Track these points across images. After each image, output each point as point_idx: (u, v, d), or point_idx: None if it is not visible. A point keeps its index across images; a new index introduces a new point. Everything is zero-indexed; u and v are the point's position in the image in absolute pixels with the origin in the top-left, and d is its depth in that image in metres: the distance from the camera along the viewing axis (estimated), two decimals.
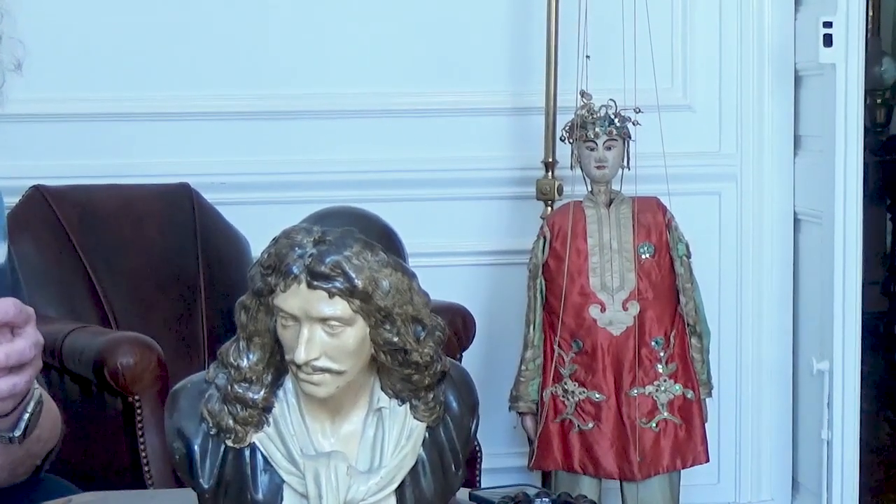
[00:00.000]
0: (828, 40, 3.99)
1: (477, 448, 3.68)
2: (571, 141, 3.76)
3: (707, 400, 3.82)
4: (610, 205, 3.75)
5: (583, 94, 3.74)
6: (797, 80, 4.39)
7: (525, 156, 4.21)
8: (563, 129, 3.81)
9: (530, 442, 3.79)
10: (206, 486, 1.82)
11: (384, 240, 1.79)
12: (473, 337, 3.82)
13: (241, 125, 4.16)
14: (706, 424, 3.79)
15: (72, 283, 3.70)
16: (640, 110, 3.74)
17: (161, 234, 3.85)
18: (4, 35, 2.22)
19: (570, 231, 3.71)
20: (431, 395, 1.82)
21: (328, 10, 4.20)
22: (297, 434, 1.81)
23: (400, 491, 1.82)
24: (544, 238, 3.76)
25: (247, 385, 1.81)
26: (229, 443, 1.81)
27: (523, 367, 3.77)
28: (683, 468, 3.75)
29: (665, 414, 3.71)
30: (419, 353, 1.78)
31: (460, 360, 3.63)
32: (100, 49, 4.08)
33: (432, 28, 4.24)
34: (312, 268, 1.73)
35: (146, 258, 3.80)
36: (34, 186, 3.83)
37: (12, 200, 3.81)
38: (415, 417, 1.83)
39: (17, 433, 2.11)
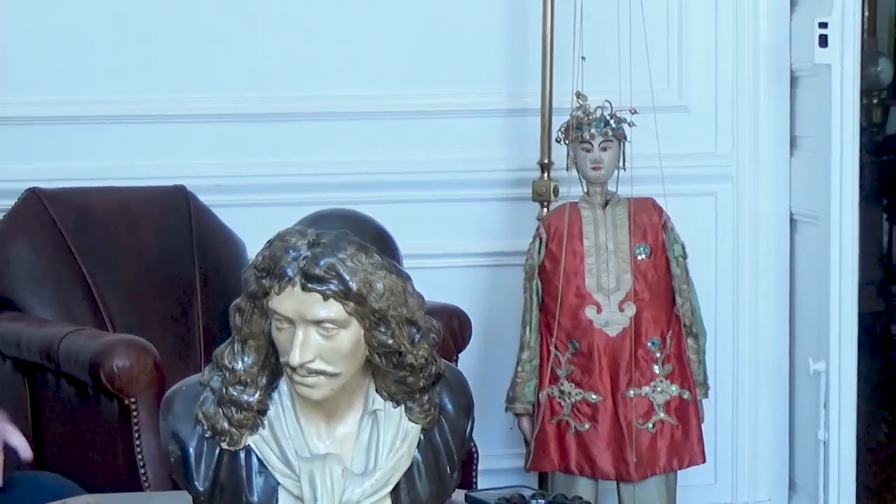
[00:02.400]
0: (823, 41, 3.99)
1: (473, 449, 3.69)
2: (567, 142, 3.76)
3: (703, 400, 3.82)
4: (606, 206, 3.75)
5: (578, 95, 3.74)
6: (793, 81, 4.39)
7: (521, 157, 4.21)
8: (559, 130, 3.81)
9: (527, 443, 3.78)
10: (201, 489, 1.82)
11: (379, 242, 1.79)
12: (469, 338, 3.82)
13: (236, 127, 4.16)
14: (702, 425, 3.79)
15: (68, 286, 3.70)
16: (635, 111, 3.74)
17: (157, 237, 3.85)
18: None
19: (566, 232, 3.70)
20: (426, 398, 1.83)
21: (323, 12, 4.20)
22: (292, 436, 1.81)
23: (395, 493, 1.82)
24: (540, 239, 3.76)
25: (241, 387, 1.81)
26: (224, 445, 1.82)
27: (519, 369, 3.77)
28: (680, 469, 3.75)
29: (661, 415, 3.71)
30: (414, 355, 1.78)
31: (456, 361, 3.63)
32: (96, 52, 4.08)
33: (428, 30, 4.24)
34: (307, 270, 1.73)
35: (142, 260, 3.80)
36: (30, 189, 3.82)
37: (8, 203, 3.81)
38: (410, 419, 1.83)
39: None
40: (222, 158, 4.16)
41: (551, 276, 3.72)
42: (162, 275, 3.80)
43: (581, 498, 2.08)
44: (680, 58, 4.35)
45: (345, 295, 1.73)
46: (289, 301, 1.74)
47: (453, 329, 3.71)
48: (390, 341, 1.76)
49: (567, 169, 3.80)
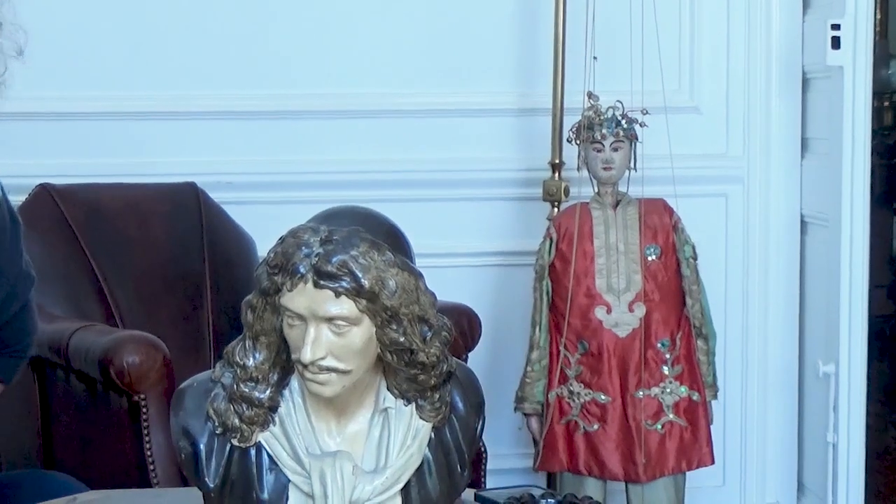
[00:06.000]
0: (836, 42, 3.99)
1: (482, 449, 3.68)
2: (578, 142, 3.76)
3: (712, 402, 3.81)
4: (616, 206, 3.75)
5: (590, 95, 3.74)
6: (805, 83, 4.38)
7: (532, 157, 4.21)
8: (570, 130, 3.80)
9: (535, 443, 3.78)
10: (211, 485, 1.82)
11: (391, 239, 1.79)
12: (479, 338, 3.82)
13: (247, 124, 4.17)
14: (711, 426, 3.79)
15: (78, 282, 3.70)
16: (646, 112, 3.74)
17: (167, 234, 3.85)
18: (6, 22, 2.23)
19: (576, 232, 3.70)
20: (437, 396, 1.83)
21: (334, 11, 4.20)
22: (302, 433, 1.81)
23: (405, 491, 1.82)
24: (551, 239, 3.76)
25: (253, 384, 1.81)
26: (235, 442, 1.82)
27: (529, 369, 3.77)
28: (689, 470, 3.75)
29: (670, 416, 3.70)
30: (425, 353, 1.78)
31: (466, 360, 3.63)
32: (107, 48, 4.08)
33: (440, 29, 4.24)
34: (319, 267, 1.73)
35: (152, 257, 3.80)
36: (41, 185, 3.83)
37: (19, 199, 3.81)
38: (420, 417, 1.83)
39: None
40: (233, 155, 4.16)
41: (561, 277, 3.72)
42: (172, 271, 3.80)
43: (591, 498, 2.08)
44: (692, 59, 4.35)
45: (357, 292, 1.73)
46: (301, 298, 1.74)
47: (463, 328, 3.71)
48: (402, 339, 1.76)
49: (578, 169, 3.80)
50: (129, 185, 3.92)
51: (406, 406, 1.82)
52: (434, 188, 4.22)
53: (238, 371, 1.81)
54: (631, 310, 3.70)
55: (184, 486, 2.44)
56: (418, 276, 1.78)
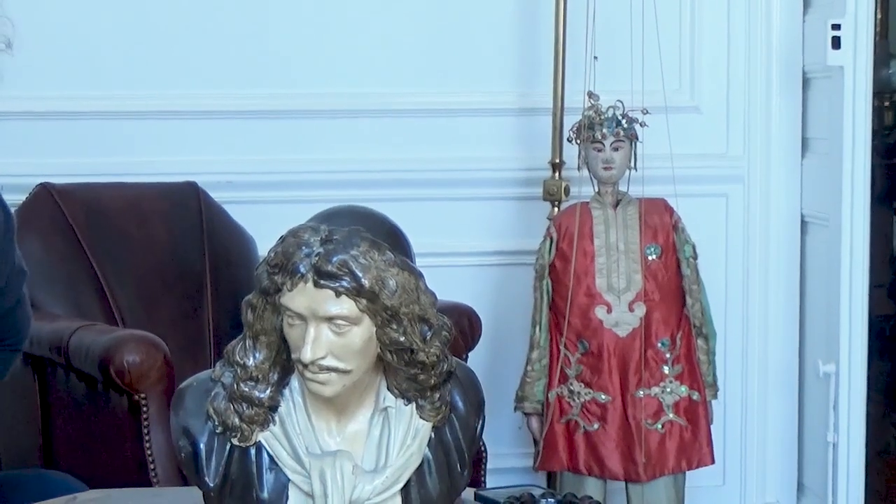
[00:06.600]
0: (836, 42, 3.99)
1: (482, 448, 3.68)
2: (579, 142, 3.76)
3: (713, 402, 3.81)
4: (617, 206, 3.75)
5: (590, 94, 3.74)
6: (805, 83, 4.38)
7: (532, 156, 4.21)
8: (571, 129, 3.81)
9: (535, 443, 3.78)
10: (211, 485, 1.82)
11: (391, 239, 1.79)
12: (479, 337, 3.82)
13: (248, 124, 4.17)
14: (712, 426, 3.79)
15: (78, 281, 3.70)
16: (647, 111, 3.74)
17: (168, 233, 3.85)
18: None
19: (576, 232, 3.70)
20: (437, 395, 1.83)
21: (334, 10, 4.20)
22: (302, 433, 1.81)
23: (405, 490, 1.82)
24: (551, 239, 3.76)
25: (253, 384, 1.81)
26: (235, 441, 1.82)
27: (529, 368, 3.77)
28: (689, 470, 3.75)
29: (671, 415, 3.70)
30: (425, 352, 1.78)
31: (466, 360, 3.63)
32: (107, 47, 4.08)
33: (440, 28, 4.24)
34: (319, 267, 1.73)
35: (153, 256, 3.80)
36: (41, 184, 3.83)
37: (20, 198, 3.81)
38: (421, 417, 1.83)
39: None
40: (233, 155, 4.16)
41: (562, 276, 3.72)
42: (172, 271, 3.80)
43: (591, 498, 2.08)
44: (692, 58, 4.35)
45: (357, 292, 1.73)
46: (301, 297, 1.74)
47: (463, 328, 3.71)
48: (402, 338, 1.76)
49: (578, 169, 3.80)
50: (129, 185, 3.92)
51: (406, 405, 1.82)
52: (434, 188, 4.22)
53: (238, 370, 1.81)
54: (631, 309, 3.70)
55: (184, 486, 2.44)
56: (418, 275, 1.78)
